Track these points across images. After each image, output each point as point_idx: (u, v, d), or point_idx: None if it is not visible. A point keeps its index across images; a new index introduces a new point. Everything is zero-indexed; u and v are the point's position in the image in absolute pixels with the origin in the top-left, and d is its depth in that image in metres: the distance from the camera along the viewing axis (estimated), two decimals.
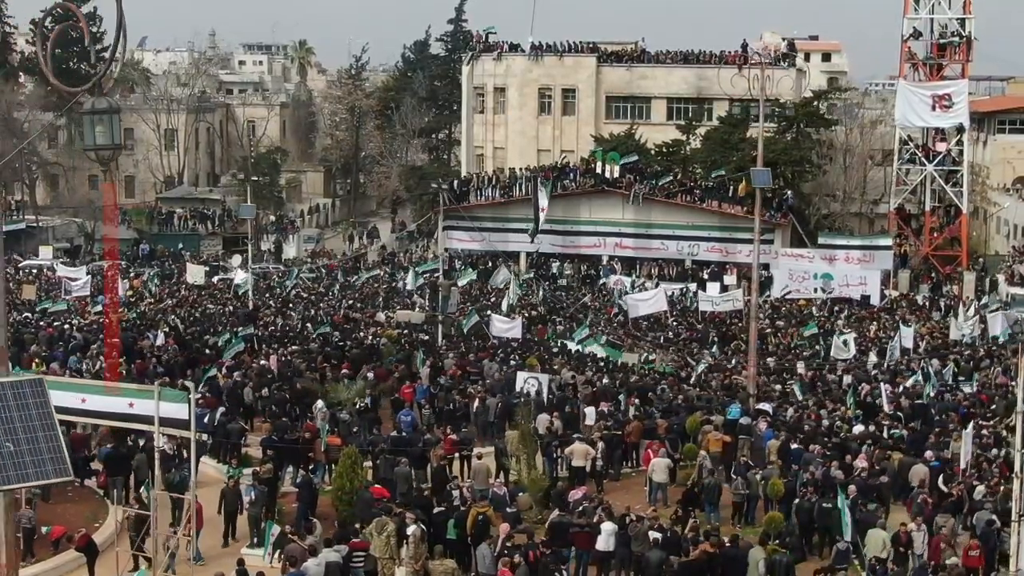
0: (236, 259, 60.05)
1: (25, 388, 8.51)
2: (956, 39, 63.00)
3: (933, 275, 62.62)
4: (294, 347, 38.48)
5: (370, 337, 40.70)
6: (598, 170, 60.66)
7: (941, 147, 64.15)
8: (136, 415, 21.93)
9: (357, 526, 21.29)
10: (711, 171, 62.07)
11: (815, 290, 56.73)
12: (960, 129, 63.92)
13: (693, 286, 57.48)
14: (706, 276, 58.78)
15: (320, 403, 30.56)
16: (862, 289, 56.57)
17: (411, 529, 18.31)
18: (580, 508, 21.12)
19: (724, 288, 55.83)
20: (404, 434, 28.28)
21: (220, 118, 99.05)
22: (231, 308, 48.09)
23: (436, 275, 50.28)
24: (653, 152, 64.54)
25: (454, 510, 21.04)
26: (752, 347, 33.82)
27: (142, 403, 21.75)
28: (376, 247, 72.27)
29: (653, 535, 20.35)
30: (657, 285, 54.42)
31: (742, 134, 63.56)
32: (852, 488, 23.93)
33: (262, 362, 35.36)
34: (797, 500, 23.83)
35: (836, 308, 53.65)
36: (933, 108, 62.19)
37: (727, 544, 19.61)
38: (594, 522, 20.44)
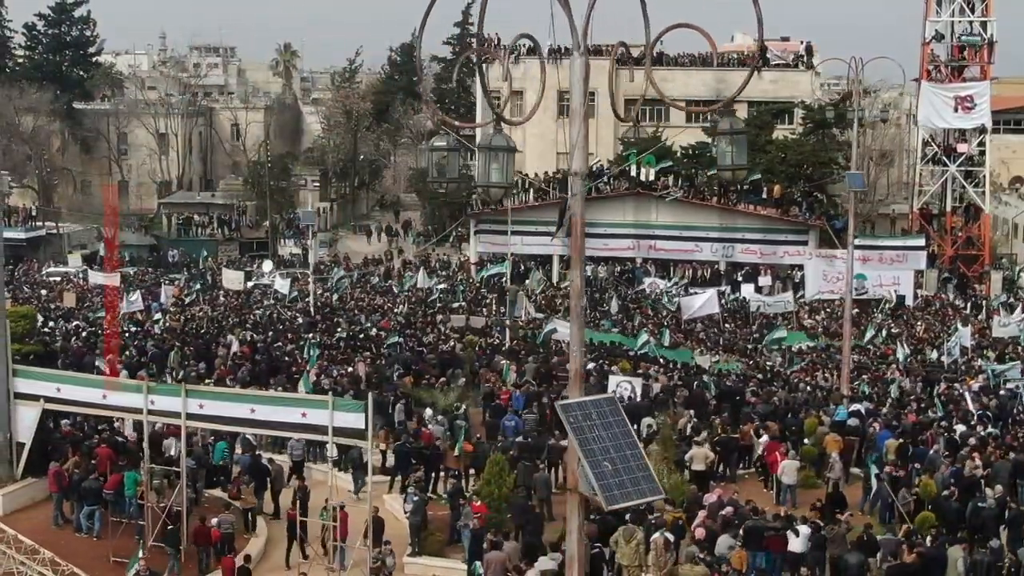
0: (267, 264, 59.50)
1: (604, 406, 8.43)
2: (977, 41, 63.86)
3: (952, 275, 63.27)
4: (367, 353, 38.23)
5: (444, 343, 40.53)
6: (632, 173, 60.59)
7: (962, 148, 64.92)
8: (310, 425, 21.71)
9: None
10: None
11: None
12: (982, 130, 64.75)
13: (728, 288, 57.77)
14: (740, 278, 58.98)
15: (428, 410, 30.47)
16: (896, 289, 56.95)
17: (655, 536, 18.31)
18: (773, 513, 21.20)
19: (758, 289, 56.10)
20: (528, 440, 28.26)
21: (205, 122, 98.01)
22: (281, 315, 47.64)
23: (503, 278, 50.19)
24: (679, 155, 64.66)
25: (641, 516, 21.01)
26: (847, 347, 34.06)
27: (316, 413, 21.54)
28: (395, 248, 71.97)
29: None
30: (686, 290, 54.62)
31: (768, 136, 63.94)
32: (999, 488, 24.24)
33: (348, 369, 35.16)
34: (943, 500, 24.06)
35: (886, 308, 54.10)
36: (955, 109, 63.00)
37: (928, 545, 19.81)
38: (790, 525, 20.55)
